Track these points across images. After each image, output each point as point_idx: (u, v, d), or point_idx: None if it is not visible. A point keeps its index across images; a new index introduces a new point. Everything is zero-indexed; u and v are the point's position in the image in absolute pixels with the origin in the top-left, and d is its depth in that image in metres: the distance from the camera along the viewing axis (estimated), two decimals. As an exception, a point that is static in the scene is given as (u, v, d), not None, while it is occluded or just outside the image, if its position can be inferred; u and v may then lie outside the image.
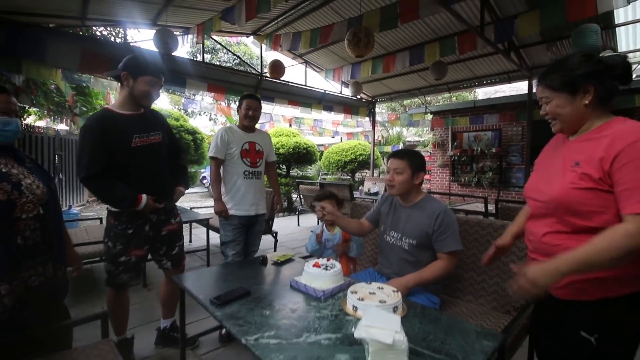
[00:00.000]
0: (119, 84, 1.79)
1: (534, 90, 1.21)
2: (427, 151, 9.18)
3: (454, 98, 13.42)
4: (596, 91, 1.02)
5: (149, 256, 1.95)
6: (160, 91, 1.84)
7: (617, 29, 4.29)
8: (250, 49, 14.46)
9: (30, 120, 7.10)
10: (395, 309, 1.17)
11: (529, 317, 1.44)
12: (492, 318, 1.65)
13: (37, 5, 3.60)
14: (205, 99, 8.59)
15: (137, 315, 2.45)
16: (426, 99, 8.33)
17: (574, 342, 1.07)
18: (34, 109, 5.96)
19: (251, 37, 5.68)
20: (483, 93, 14.24)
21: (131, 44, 4.51)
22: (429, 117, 8.37)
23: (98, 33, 5.20)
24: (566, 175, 1.05)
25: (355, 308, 1.20)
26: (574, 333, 1.06)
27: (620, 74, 1.04)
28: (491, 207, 4.14)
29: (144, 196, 1.70)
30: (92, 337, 1.95)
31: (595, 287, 1.01)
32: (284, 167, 8.50)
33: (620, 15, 4.06)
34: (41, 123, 7.56)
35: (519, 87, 8.70)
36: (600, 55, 1.10)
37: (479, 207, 4.51)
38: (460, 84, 6.58)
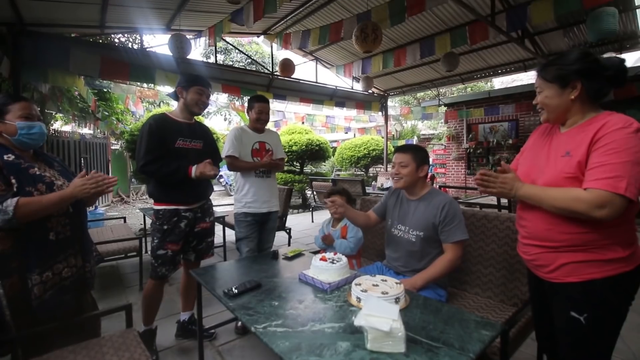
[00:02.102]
0: (176, 100, 2.11)
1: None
2: (442, 144, 9.04)
3: (469, 89, 13.11)
4: (583, 88, 1.10)
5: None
6: (209, 101, 2.12)
7: (637, 10, 4.10)
8: (261, 48, 14.58)
9: (57, 125, 7.48)
10: (397, 300, 1.22)
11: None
12: (499, 310, 1.67)
13: (59, 17, 3.80)
14: (219, 98, 8.78)
15: (159, 307, 2.59)
16: (440, 91, 8.19)
17: (565, 321, 1.15)
18: (60, 115, 6.28)
19: (262, 37, 5.77)
20: (500, 83, 13.83)
21: (147, 50, 4.67)
22: (443, 109, 8.24)
23: (116, 40, 5.41)
24: (557, 165, 1.13)
25: (358, 299, 1.26)
26: (564, 313, 1.14)
27: (611, 75, 1.10)
28: (505, 200, 4.07)
29: (194, 167, 1.94)
30: (117, 328, 2.09)
31: (582, 269, 1.10)
32: (297, 164, 8.59)
33: (641, -3, 3.88)
34: (67, 128, 7.95)
35: (538, 75, 8.39)
36: (605, 55, 1.17)
37: (495, 200, 4.43)
38: (473, 74, 6.45)
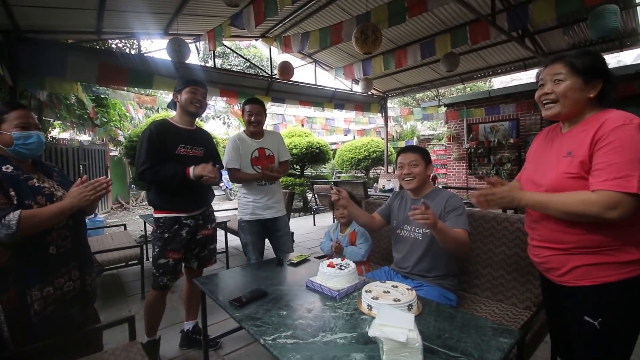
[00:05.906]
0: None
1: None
2: (442, 145, 9.01)
3: (468, 89, 13.10)
4: (602, 89, 1.09)
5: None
6: (207, 101, 2.08)
7: (638, 8, 4.09)
8: (259, 51, 14.57)
9: (55, 133, 7.44)
10: (409, 307, 1.18)
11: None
12: (512, 315, 1.62)
13: (56, 23, 3.77)
14: (218, 102, 8.74)
15: (162, 317, 2.54)
16: (439, 91, 8.17)
17: (578, 326, 1.11)
18: (58, 122, 6.23)
19: (260, 39, 5.74)
20: (499, 82, 13.85)
21: (145, 55, 4.64)
22: (443, 109, 8.21)
23: (114, 46, 5.38)
24: (560, 165, 1.11)
25: (370, 307, 1.22)
26: (578, 318, 1.11)
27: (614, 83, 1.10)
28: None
29: (191, 168, 1.88)
30: (120, 339, 2.05)
31: (595, 272, 1.06)
32: (297, 167, 8.55)
33: (641, -6, 3.87)
34: (65, 135, 7.91)
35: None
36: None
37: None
38: (473, 74, 6.44)
